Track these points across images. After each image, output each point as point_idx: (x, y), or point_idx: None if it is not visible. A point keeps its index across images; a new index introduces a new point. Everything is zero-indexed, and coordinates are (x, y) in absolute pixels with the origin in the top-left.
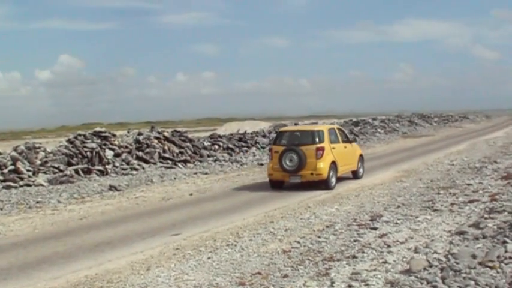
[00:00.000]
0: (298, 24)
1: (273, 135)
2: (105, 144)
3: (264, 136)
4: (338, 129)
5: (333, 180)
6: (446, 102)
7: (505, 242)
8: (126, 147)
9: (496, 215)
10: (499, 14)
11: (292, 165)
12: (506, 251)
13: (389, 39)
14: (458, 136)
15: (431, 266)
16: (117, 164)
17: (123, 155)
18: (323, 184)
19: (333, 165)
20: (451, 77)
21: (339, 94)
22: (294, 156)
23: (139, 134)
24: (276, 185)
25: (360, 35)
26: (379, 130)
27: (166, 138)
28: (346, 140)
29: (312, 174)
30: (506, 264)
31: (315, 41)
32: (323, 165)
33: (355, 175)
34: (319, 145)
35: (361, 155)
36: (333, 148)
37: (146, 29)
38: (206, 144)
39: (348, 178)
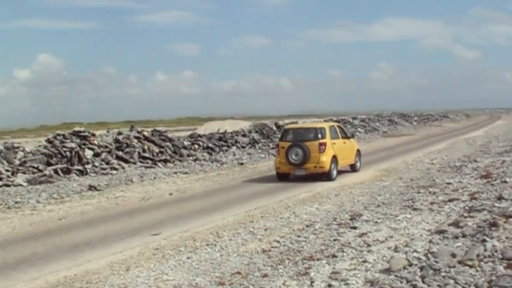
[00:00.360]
0: (278, 23)
1: (253, 134)
2: (84, 144)
3: (244, 135)
4: (338, 126)
5: (334, 172)
6: (426, 102)
7: (484, 240)
8: (106, 146)
9: (476, 214)
10: (478, 13)
11: (297, 159)
12: (485, 250)
13: (369, 39)
14: (438, 135)
15: (410, 265)
16: (96, 164)
17: (103, 155)
18: (325, 176)
19: (334, 159)
20: (431, 76)
21: (320, 93)
22: (299, 151)
23: (119, 133)
24: (283, 178)
25: (339, 34)
26: (359, 129)
27: (146, 138)
28: (345, 136)
29: (315, 167)
30: (485, 263)
31: (295, 40)
32: (325, 159)
33: (353, 168)
34: (321, 141)
35: (358, 150)
36: (334, 143)
37: (126, 28)
38: (186, 143)
39: (346, 171)
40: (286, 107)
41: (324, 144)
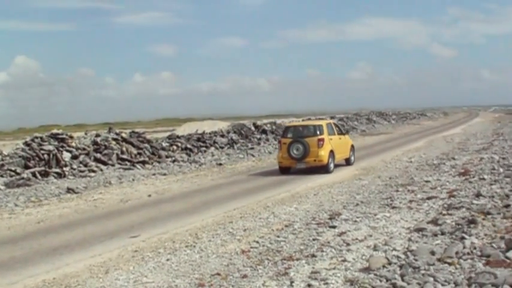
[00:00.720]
0: (255, 24)
1: (232, 135)
2: (62, 146)
3: (222, 136)
4: (334, 124)
5: (331, 165)
6: (404, 100)
7: (463, 238)
8: (84, 149)
9: (454, 211)
10: (454, 12)
11: (298, 153)
12: (464, 247)
13: (347, 38)
14: (416, 133)
15: (390, 264)
16: (74, 166)
17: (81, 157)
18: (323, 169)
19: (331, 153)
20: (409, 74)
21: (298, 93)
22: (300, 146)
23: (97, 135)
24: (285, 171)
25: (317, 34)
26: None
27: (124, 140)
28: (340, 133)
29: (314, 160)
30: (464, 260)
31: (273, 40)
32: (324, 153)
33: (347, 162)
34: (320, 137)
35: (352, 145)
36: (331, 139)
37: (104, 30)
38: (164, 145)
39: (341, 165)
40: (265, 107)
41: (322, 140)
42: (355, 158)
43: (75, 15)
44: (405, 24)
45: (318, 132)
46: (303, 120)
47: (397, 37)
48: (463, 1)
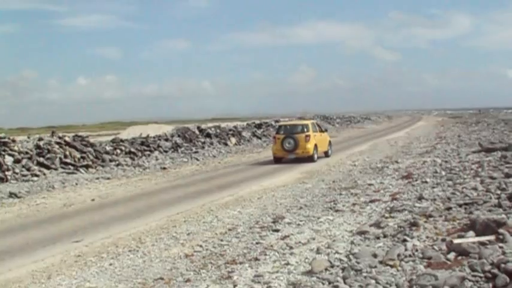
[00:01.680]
0: (199, 26)
1: (176, 138)
2: (4, 150)
3: (166, 140)
4: (316, 123)
5: (316, 156)
6: (349, 104)
7: (405, 240)
8: (27, 152)
9: (397, 214)
10: (396, 17)
11: (290, 146)
12: (406, 250)
13: (290, 42)
14: (360, 137)
15: (332, 266)
16: (17, 171)
17: (24, 161)
18: (310, 159)
19: (315, 146)
20: (353, 78)
21: (242, 96)
22: (291, 140)
23: (40, 139)
24: (278, 160)
25: (261, 37)
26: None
27: (67, 143)
28: (321, 130)
29: (303, 152)
30: (406, 262)
31: (217, 43)
32: (310, 146)
33: (326, 154)
34: (307, 133)
35: (329, 141)
36: (315, 135)
37: (48, 32)
38: (108, 148)
39: (320, 157)
40: (209, 110)
41: (309, 135)
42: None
43: (19, 16)
44: (349, 28)
45: (305, 130)
46: (247, 125)
47: (341, 41)
48: (407, 6)
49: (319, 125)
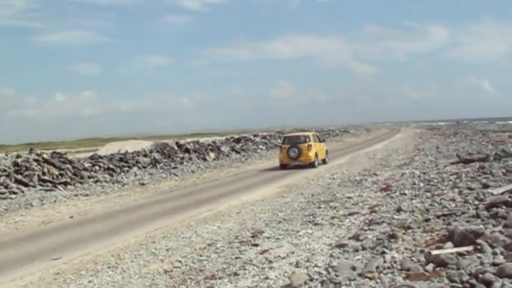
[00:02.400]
0: (178, 42)
1: (154, 154)
2: None
3: (145, 155)
4: (316, 134)
5: (316, 163)
6: (327, 117)
7: (383, 252)
8: (4, 170)
9: (376, 227)
10: (373, 30)
11: (294, 155)
12: (385, 262)
13: (269, 56)
14: (339, 150)
15: (311, 280)
16: None
17: (1, 179)
18: (311, 165)
19: (316, 154)
20: (331, 92)
21: (221, 111)
22: (295, 149)
23: (18, 156)
24: (284, 167)
25: (240, 52)
26: (260, 146)
27: (45, 160)
28: (320, 141)
29: (305, 159)
30: (385, 274)
31: (196, 59)
32: (311, 154)
33: (324, 161)
34: (309, 143)
35: (326, 150)
36: (315, 145)
37: (25, 49)
38: (87, 165)
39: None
40: (188, 125)
41: (310, 145)
42: (329, 159)
43: None
44: (327, 42)
45: (307, 140)
46: (226, 140)
47: (319, 55)
48: (383, 19)
49: (318, 136)
